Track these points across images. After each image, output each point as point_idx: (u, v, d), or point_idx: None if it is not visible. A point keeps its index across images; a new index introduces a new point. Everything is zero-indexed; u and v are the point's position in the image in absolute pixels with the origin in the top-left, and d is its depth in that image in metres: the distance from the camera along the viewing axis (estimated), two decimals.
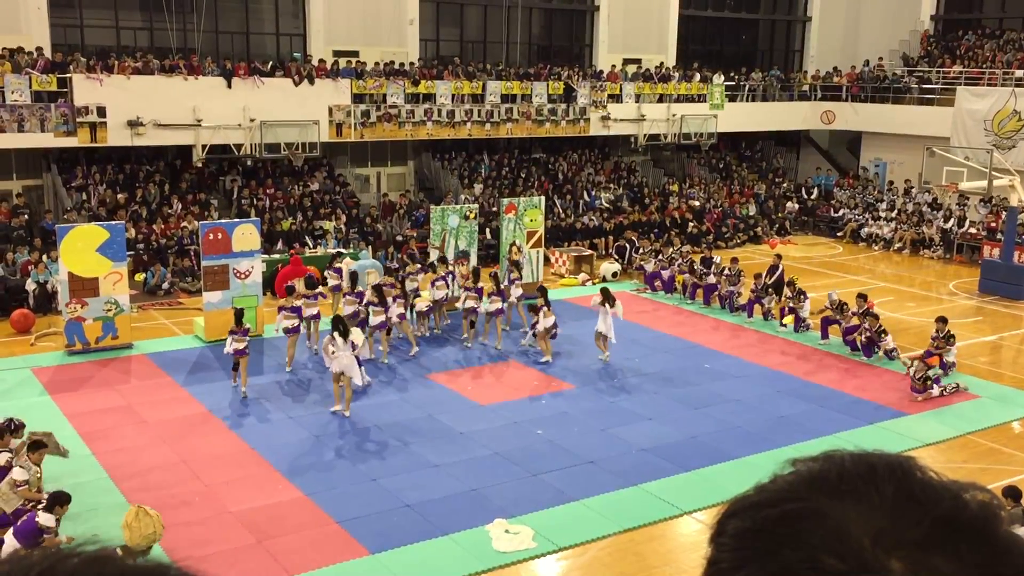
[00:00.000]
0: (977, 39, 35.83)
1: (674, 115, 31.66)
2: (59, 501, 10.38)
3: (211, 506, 11.80)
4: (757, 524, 0.90)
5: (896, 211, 31.06)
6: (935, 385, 16.06)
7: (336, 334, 14.42)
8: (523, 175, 30.58)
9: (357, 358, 14.63)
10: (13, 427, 11.95)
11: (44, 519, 10.14)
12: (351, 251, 23.09)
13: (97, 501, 11.64)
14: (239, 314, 16.01)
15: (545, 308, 17.45)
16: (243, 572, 10.21)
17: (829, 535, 0.85)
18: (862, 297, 19.15)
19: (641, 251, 24.98)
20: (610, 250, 26.77)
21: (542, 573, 10.56)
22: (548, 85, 29.75)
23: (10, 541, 10.00)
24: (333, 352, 14.41)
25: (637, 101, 31.39)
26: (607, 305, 17.41)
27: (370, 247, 24.35)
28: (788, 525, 0.88)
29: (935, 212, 29.83)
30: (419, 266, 20.43)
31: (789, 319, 19.98)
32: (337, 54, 28.66)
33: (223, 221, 20.37)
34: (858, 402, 15.89)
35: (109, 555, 0.78)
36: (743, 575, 0.88)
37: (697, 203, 31.18)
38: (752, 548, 0.89)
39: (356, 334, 14.76)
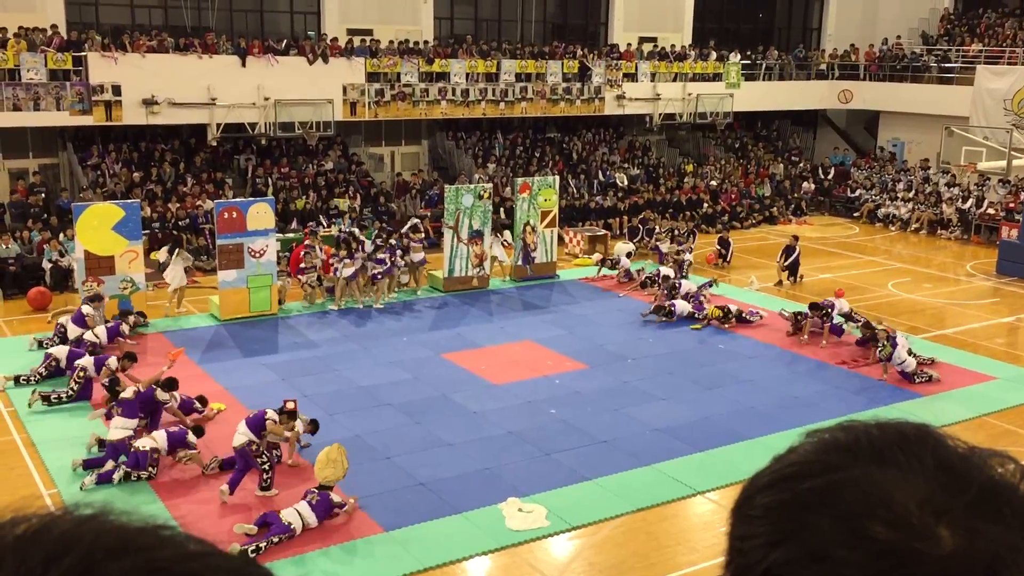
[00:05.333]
0: (998, 17, 35.39)
1: (690, 94, 31.46)
2: (291, 413, 12.00)
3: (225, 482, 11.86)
4: (797, 496, 0.87)
5: (913, 191, 30.82)
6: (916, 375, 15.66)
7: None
8: (537, 154, 30.48)
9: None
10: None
11: (271, 415, 11.64)
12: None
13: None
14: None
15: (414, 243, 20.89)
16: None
17: (874, 502, 0.83)
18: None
19: (656, 231, 24.88)
20: (624, 230, 26.67)
21: (555, 552, 10.60)
22: (563, 64, 29.59)
23: (243, 428, 11.51)
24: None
25: (652, 80, 31.19)
26: (498, 235, 22.03)
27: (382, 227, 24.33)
28: (830, 495, 0.85)
29: (952, 190, 29.58)
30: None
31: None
32: (351, 32, 28.56)
33: (238, 200, 20.42)
34: (872, 383, 15.82)
35: (104, 515, 0.77)
36: (785, 550, 0.84)
37: (714, 183, 31.02)
38: (792, 520, 0.86)
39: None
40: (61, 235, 21.04)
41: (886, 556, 0.80)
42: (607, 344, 17.57)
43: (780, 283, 22.17)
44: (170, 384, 13.10)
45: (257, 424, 11.52)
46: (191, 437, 12.28)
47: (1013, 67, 30.89)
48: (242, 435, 11.44)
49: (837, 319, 17.95)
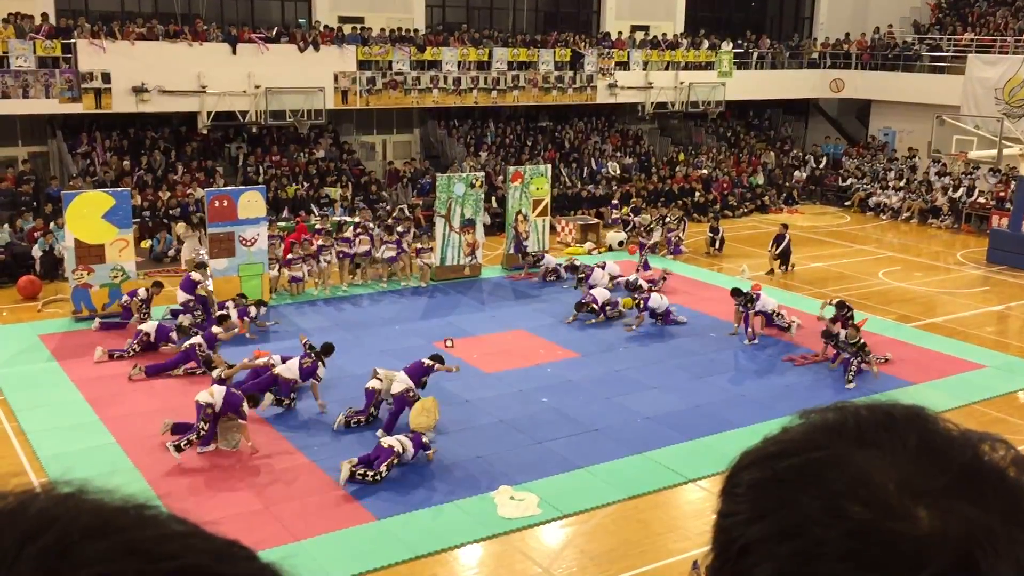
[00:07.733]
0: (989, 6, 35.43)
1: (682, 83, 31.43)
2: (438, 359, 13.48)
3: (219, 472, 11.87)
4: (778, 474, 0.87)
5: (904, 180, 30.88)
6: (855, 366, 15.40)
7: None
8: (529, 143, 30.43)
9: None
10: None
11: (428, 362, 13.32)
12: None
13: (106, 467, 11.70)
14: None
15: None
16: (251, 537, 10.18)
17: (853, 482, 0.84)
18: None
19: (649, 221, 24.85)
20: (615, 219, 26.66)
21: (547, 540, 10.63)
22: (555, 52, 29.52)
23: (402, 376, 13.04)
24: None
25: (644, 69, 31.15)
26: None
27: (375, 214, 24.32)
28: (810, 473, 0.86)
29: (941, 179, 29.64)
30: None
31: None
32: (343, 20, 28.45)
33: (228, 188, 20.35)
34: (863, 371, 15.84)
35: (83, 493, 0.75)
36: (762, 527, 0.85)
37: (705, 172, 31.03)
38: (772, 498, 0.86)
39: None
40: (52, 224, 20.94)
41: (861, 535, 0.80)
42: (598, 333, 17.58)
43: (772, 271, 22.21)
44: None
45: (417, 372, 13.02)
46: (245, 406, 12.25)
47: (1004, 56, 30.93)
48: (400, 383, 12.85)
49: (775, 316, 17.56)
